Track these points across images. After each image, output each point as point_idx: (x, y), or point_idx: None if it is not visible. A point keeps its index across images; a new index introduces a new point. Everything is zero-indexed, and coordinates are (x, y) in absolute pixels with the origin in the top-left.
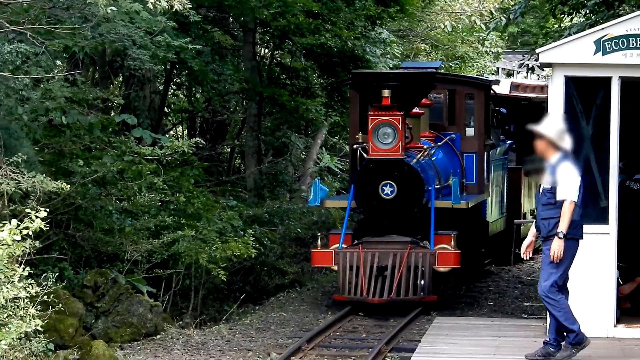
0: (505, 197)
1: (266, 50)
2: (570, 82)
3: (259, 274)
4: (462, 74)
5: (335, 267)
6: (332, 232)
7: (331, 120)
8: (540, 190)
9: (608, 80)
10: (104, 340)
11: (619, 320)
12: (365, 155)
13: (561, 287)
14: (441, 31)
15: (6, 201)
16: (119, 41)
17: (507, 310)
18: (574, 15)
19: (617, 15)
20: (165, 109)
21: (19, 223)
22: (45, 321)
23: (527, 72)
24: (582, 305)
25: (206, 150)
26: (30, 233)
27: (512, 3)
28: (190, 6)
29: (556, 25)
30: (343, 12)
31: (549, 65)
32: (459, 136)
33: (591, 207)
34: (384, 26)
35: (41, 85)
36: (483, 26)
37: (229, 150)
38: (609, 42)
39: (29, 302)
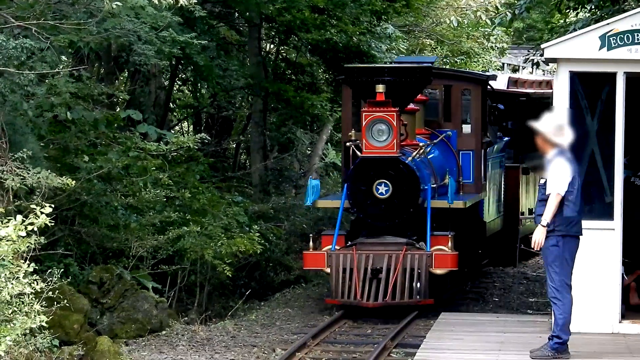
0: (502, 196)
1: (271, 46)
2: (575, 77)
3: (264, 270)
4: (458, 68)
5: (328, 270)
6: (325, 233)
7: (336, 115)
8: (539, 185)
9: (613, 75)
10: (109, 336)
11: (624, 316)
12: (358, 153)
13: (569, 285)
14: (447, 26)
15: (11, 197)
16: (125, 36)
17: (513, 306)
18: (579, 10)
19: (623, 11)
20: (171, 105)
21: (24, 219)
22: (50, 317)
23: (532, 68)
24: (587, 301)
25: (211, 146)
26: (36, 229)
27: None
28: (196, 1)
29: (561, 21)
30: (348, 7)
31: (554, 60)
32: (455, 133)
33: (596, 203)
34: (389, 21)
35: (46, 80)
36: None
37: (234, 146)
38: (614, 38)
39: (34, 298)
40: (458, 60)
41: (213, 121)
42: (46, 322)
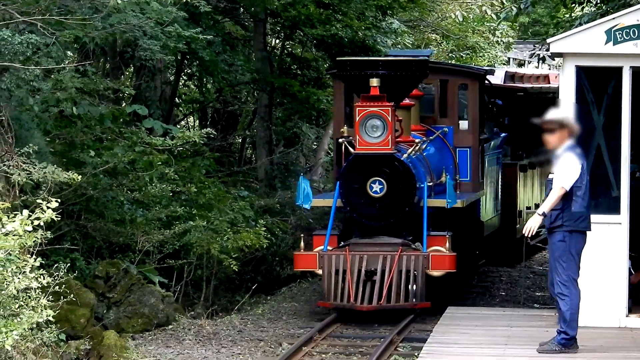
0: (499, 194)
1: (277, 41)
2: (581, 72)
3: (270, 264)
4: (454, 62)
5: (320, 271)
6: (316, 233)
7: None
8: (548, 178)
9: (619, 70)
10: (115, 331)
11: (630, 310)
12: (351, 149)
13: (576, 280)
14: (452, 21)
15: (17, 192)
16: (130, 32)
17: (519, 300)
18: (584, 4)
19: (628, 5)
20: (176, 100)
21: (30, 213)
22: (57, 311)
23: (538, 62)
24: (594, 295)
25: (217, 140)
26: (42, 223)
27: None
28: None
29: (567, 15)
30: (354, 2)
31: (560, 55)
32: (451, 129)
33: (603, 197)
34: (394, 16)
35: (52, 76)
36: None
37: (240, 140)
38: (620, 32)
39: (40, 293)
40: (464, 55)
41: (219, 116)
42: (53, 317)
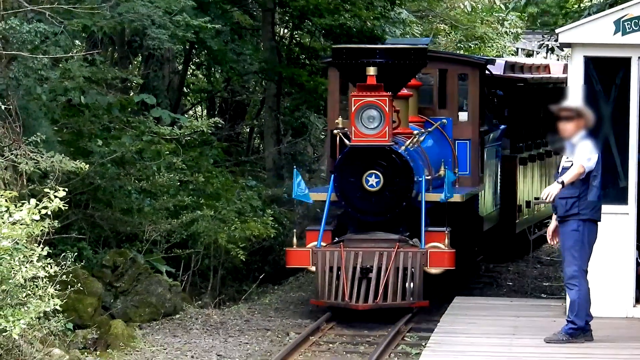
0: (499, 188)
1: (285, 30)
2: (589, 62)
3: (278, 254)
4: (454, 51)
5: (313, 268)
6: (310, 228)
7: None
8: (559, 170)
9: (627, 60)
10: (122, 320)
11: (638, 300)
12: (347, 141)
13: (585, 271)
14: (460, 11)
15: (25, 181)
16: (138, 21)
17: (527, 290)
18: None
19: None
20: (184, 89)
21: (38, 203)
22: (64, 301)
23: (546, 53)
24: (601, 286)
25: (225, 130)
26: (49, 213)
27: None
28: None
29: (576, 6)
30: None
31: (568, 45)
32: (450, 121)
33: (610, 187)
34: (403, 6)
35: (60, 65)
36: (502, 6)
37: (248, 130)
38: (629, 23)
39: (47, 282)
40: (472, 45)
41: (227, 105)
42: (60, 306)
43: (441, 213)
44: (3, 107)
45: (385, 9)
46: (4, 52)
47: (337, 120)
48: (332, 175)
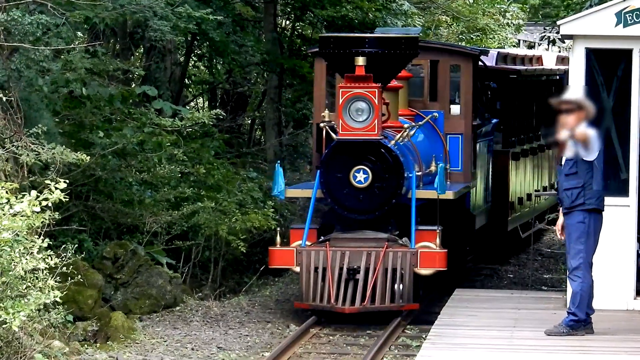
0: (490, 184)
1: (287, 22)
2: (591, 54)
3: None
4: (445, 41)
5: (297, 269)
6: (294, 226)
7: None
8: (562, 163)
9: (629, 52)
10: (123, 312)
11: (638, 292)
12: (333, 135)
13: (590, 264)
14: (462, 3)
15: (26, 172)
16: (140, 12)
17: (527, 282)
18: None
19: None
20: (186, 81)
21: (39, 194)
22: (65, 292)
23: (548, 44)
24: (602, 278)
25: (227, 121)
26: (50, 204)
27: None
28: None
29: None
30: None
31: (570, 37)
32: (442, 114)
33: (611, 179)
34: None
35: (62, 56)
36: None
37: (249, 121)
38: (630, 14)
39: (48, 274)
40: (474, 37)
41: (228, 97)
42: (60, 298)
43: (432, 211)
44: (4, 98)
45: (387, 1)
46: (5, 44)
47: (323, 113)
48: (318, 171)
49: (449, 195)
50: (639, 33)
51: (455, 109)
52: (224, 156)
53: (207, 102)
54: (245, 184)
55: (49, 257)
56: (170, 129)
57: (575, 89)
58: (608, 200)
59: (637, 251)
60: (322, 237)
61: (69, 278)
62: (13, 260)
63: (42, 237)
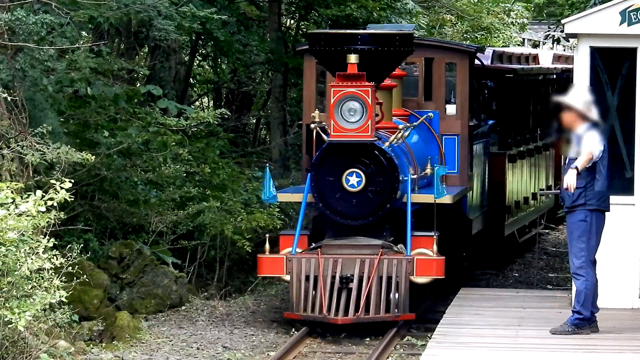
0: (486, 187)
1: (292, 21)
2: (595, 52)
3: None
4: (441, 38)
5: (287, 277)
6: (284, 232)
7: None
8: (566, 162)
9: (634, 50)
10: (128, 312)
11: None
12: (325, 136)
13: (593, 262)
14: (467, 2)
15: (31, 172)
16: (144, 12)
17: (532, 281)
18: None
19: None
20: (191, 80)
21: (44, 194)
22: (70, 292)
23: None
24: (607, 277)
25: (232, 121)
26: (55, 204)
27: None
28: None
29: None
30: None
31: (574, 36)
32: (437, 115)
33: (616, 178)
34: None
35: (66, 56)
36: None
37: (254, 121)
38: (635, 13)
39: (53, 274)
40: (478, 36)
41: (233, 96)
42: (66, 298)
43: (428, 216)
44: (9, 98)
45: (392, 0)
46: (10, 44)
47: (313, 114)
48: (309, 174)
49: (447, 199)
50: None
51: (451, 109)
52: (229, 155)
53: (212, 102)
54: (251, 183)
55: (55, 257)
56: (175, 129)
57: (580, 88)
58: (613, 198)
59: None
60: (314, 244)
61: (75, 278)
62: (19, 260)
63: (47, 237)
